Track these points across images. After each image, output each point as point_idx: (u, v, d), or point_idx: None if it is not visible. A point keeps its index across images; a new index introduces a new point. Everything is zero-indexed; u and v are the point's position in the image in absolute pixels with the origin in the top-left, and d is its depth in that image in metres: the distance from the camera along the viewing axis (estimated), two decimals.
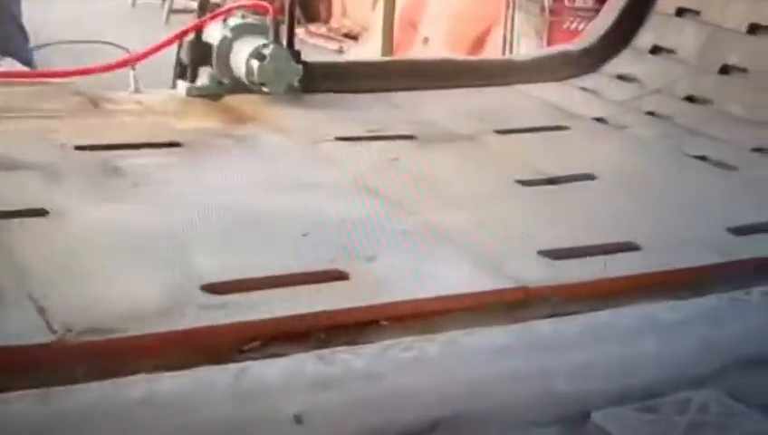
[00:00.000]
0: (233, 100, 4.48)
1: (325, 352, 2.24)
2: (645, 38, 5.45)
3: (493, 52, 8.29)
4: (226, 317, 2.39)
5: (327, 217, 3.12)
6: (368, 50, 9.78)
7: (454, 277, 2.74)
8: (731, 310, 2.61)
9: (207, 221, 3.01)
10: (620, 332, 2.50)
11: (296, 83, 4.52)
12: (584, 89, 5.20)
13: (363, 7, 10.85)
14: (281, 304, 2.48)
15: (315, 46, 10.49)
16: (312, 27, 11.27)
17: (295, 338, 2.35)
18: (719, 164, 4.05)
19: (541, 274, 2.82)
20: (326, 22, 11.62)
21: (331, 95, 4.68)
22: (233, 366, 2.14)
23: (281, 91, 4.48)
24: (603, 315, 2.58)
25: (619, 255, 2.99)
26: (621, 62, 5.36)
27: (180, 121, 4.14)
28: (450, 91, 4.95)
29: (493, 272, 2.80)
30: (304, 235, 2.95)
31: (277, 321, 2.40)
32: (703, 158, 4.12)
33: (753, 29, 4.94)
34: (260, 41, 4.52)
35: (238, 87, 4.52)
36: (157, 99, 4.44)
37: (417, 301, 2.58)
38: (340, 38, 11.13)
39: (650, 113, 4.82)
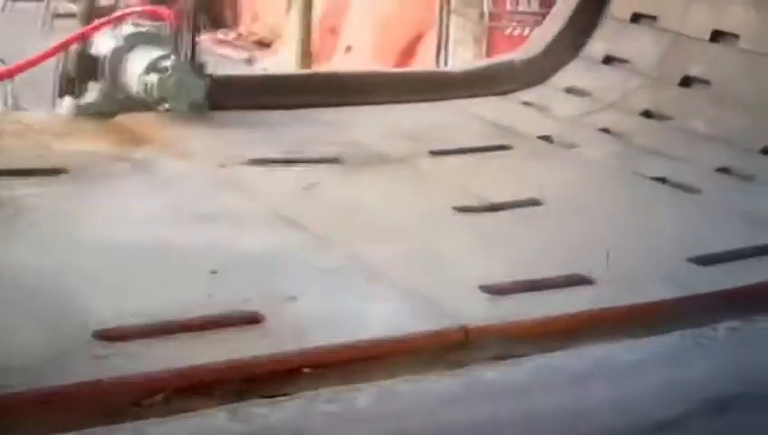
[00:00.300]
0: (127, 119, 4.49)
1: (239, 406, 2.26)
2: (597, 46, 5.61)
3: (425, 62, 8.44)
4: (122, 368, 2.39)
5: (239, 252, 3.14)
6: (282, 60, 9.84)
7: (384, 318, 2.78)
8: (694, 349, 2.71)
9: (99, 258, 3.01)
10: (573, 376, 2.57)
11: (201, 100, 4.58)
12: (528, 103, 5.32)
13: (276, 11, 10.90)
14: (186, 353, 2.49)
15: (222, 56, 10.51)
16: (219, 34, 11.29)
17: (203, 391, 2.36)
18: (680, 186, 4.17)
19: (482, 311, 2.87)
20: (234, 28, 11.65)
21: (242, 113, 4.72)
22: (129, 426, 2.15)
23: (183, 109, 4.53)
24: (553, 358, 2.64)
25: (569, 289, 3.06)
26: (570, 74, 5.51)
27: (66, 144, 4.13)
28: (378, 108, 5.03)
29: (428, 311, 2.84)
30: (213, 272, 2.97)
31: (182, 372, 2.41)
32: (662, 179, 4.24)
33: (717, 36, 5.13)
34: (158, 51, 4.57)
35: (133, 104, 4.56)
36: (38, 118, 4.44)
37: (343, 346, 2.61)
38: (250, 46, 11.17)
39: (603, 130, 4.94)
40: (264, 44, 11.27)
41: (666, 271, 3.24)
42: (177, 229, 3.30)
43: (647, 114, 5.10)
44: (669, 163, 4.45)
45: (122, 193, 3.67)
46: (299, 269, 3.06)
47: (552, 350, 2.70)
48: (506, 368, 2.58)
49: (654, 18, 5.46)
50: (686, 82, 5.17)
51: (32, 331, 2.52)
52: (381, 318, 2.77)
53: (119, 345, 2.50)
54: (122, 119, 4.53)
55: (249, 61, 10.82)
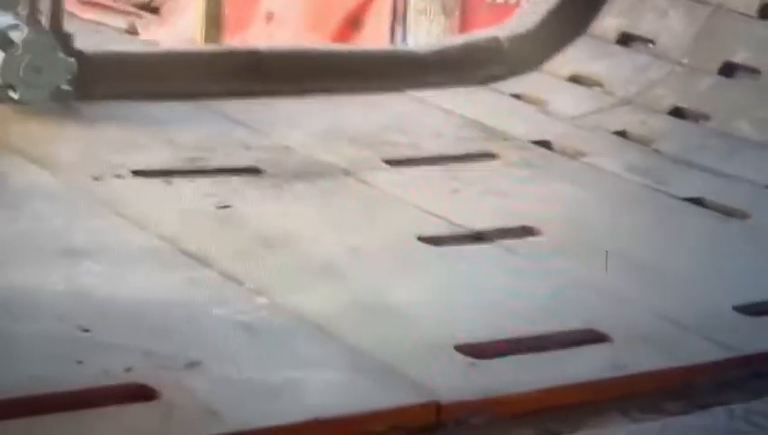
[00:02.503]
0: None
1: None
2: (610, 21, 5.65)
3: (376, 38, 8.48)
4: None
5: (119, 301, 3.12)
6: (178, 30, 9.81)
7: (326, 392, 2.77)
8: (747, 431, 2.73)
9: None
10: None
11: (66, 86, 4.56)
12: (519, 96, 5.35)
13: None
14: None
15: (92, 24, 10.43)
16: None
17: None
18: (721, 209, 4.22)
19: (460, 381, 2.87)
20: None
21: (123, 104, 4.70)
22: None
23: (41, 99, 4.50)
24: None
25: (577, 350, 3.09)
26: (574, 57, 5.55)
27: None
28: (313, 100, 5.01)
29: (387, 381, 2.84)
30: (83, 331, 2.95)
31: None
32: (697, 200, 4.29)
33: None
34: (5, 19, 4.52)
35: None
36: None
37: (266, 431, 2.60)
38: (133, 11, 11.09)
39: (618, 133, 4.97)
40: (150, 8, 11.21)
41: (705, 324, 3.28)
42: (26, 270, 3.28)
43: (676, 112, 5.17)
44: (706, 178, 4.52)
45: None
46: (204, 325, 3.05)
47: (557, 434, 2.73)
48: None
49: None
50: (728, 70, 5.25)
51: None
52: (321, 392, 2.76)
53: None
54: None
55: (130, 31, 10.75)
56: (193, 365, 2.82)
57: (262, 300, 3.21)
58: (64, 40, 4.62)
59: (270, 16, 9.61)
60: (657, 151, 4.83)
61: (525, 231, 3.88)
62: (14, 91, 4.49)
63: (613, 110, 5.20)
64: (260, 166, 4.24)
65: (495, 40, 5.66)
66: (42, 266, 3.32)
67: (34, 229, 3.58)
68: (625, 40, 5.63)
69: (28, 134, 4.34)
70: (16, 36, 4.50)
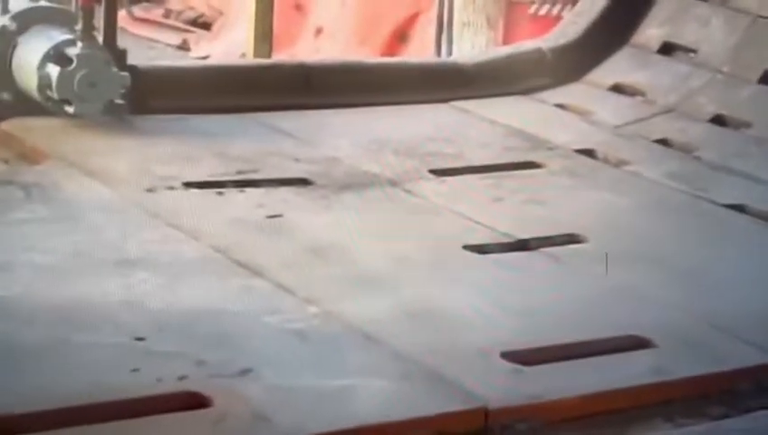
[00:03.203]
0: (16, 126, 4.47)
1: None
2: (652, 31, 5.62)
3: (422, 51, 8.47)
4: None
5: (173, 311, 3.12)
6: (228, 45, 9.85)
7: (374, 398, 2.76)
8: None
9: None
10: None
11: (120, 100, 4.55)
12: (562, 106, 5.33)
13: None
14: None
15: (145, 40, 10.48)
16: (139, 10, 11.25)
17: None
18: (762, 216, 4.19)
19: (506, 387, 2.87)
20: (160, 1, 11.62)
21: (176, 118, 4.71)
22: None
23: (95, 113, 4.50)
24: None
25: (622, 356, 3.07)
26: (617, 67, 5.52)
27: None
28: (361, 112, 5.03)
29: (433, 387, 2.83)
30: (138, 339, 2.95)
31: None
32: (739, 207, 4.27)
33: None
34: (60, 35, 4.53)
35: (26, 106, 4.54)
36: None
37: None
38: (184, 27, 11.14)
39: (660, 142, 4.96)
40: (202, 25, 11.25)
41: (747, 329, 3.26)
42: (83, 281, 3.28)
43: (717, 120, 5.14)
44: (748, 185, 4.50)
45: (8, 231, 3.63)
46: (257, 333, 3.04)
47: None
48: None
49: None
50: None
51: None
52: (370, 398, 2.76)
53: None
54: (10, 127, 4.50)
55: (182, 47, 10.80)
56: (245, 373, 2.82)
57: (313, 309, 3.20)
58: (118, 55, 4.64)
59: (319, 31, 9.63)
60: (698, 159, 4.81)
61: (569, 239, 3.86)
62: (70, 105, 4.51)
63: (655, 118, 5.18)
64: (309, 177, 4.24)
65: (539, 51, 5.66)
66: (98, 277, 3.32)
67: (90, 240, 3.59)
68: (667, 49, 5.60)
69: (83, 147, 4.36)
70: (72, 52, 4.51)
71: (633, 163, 4.70)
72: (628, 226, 4.09)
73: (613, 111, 5.25)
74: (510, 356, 3.00)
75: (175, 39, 10.95)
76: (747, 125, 5.07)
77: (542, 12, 7.79)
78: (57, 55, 4.51)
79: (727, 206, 4.29)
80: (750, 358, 3.12)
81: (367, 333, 3.08)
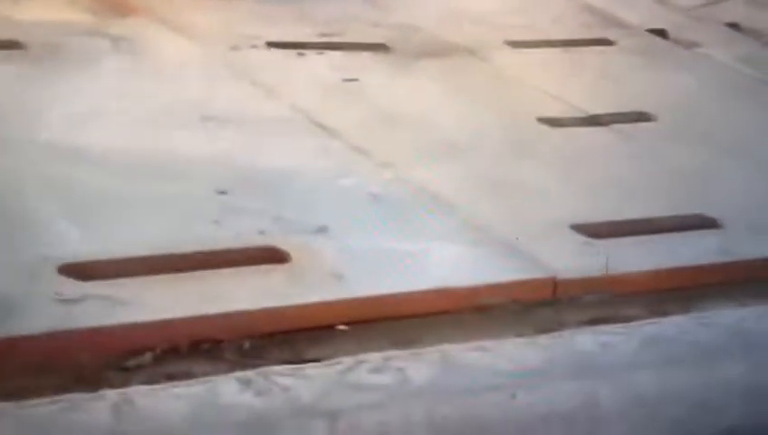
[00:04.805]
0: None
1: (252, 374, 2.21)
2: None
3: None
4: (99, 316, 2.33)
5: (253, 167, 3.09)
6: None
7: (447, 263, 2.72)
8: None
9: (66, 168, 2.95)
10: (696, 349, 2.53)
11: None
12: None
13: None
14: (183, 298, 2.43)
15: None
16: None
17: (207, 351, 2.31)
18: None
19: (576, 259, 2.82)
20: None
21: None
22: (110, 394, 2.09)
23: None
24: (670, 324, 2.61)
25: (689, 234, 3.02)
26: None
27: (23, 10, 4.05)
28: None
29: (505, 255, 2.78)
30: (220, 193, 2.93)
31: (177, 323, 2.35)
32: None
33: None
34: None
35: None
36: None
37: (391, 296, 2.56)
38: None
39: (732, 25, 4.86)
40: None
41: None
42: (170, 133, 3.25)
43: None
44: None
45: (98, 81, 3.60)
46: (333, 193, 3.01)
47: (666, 313, 2.67)
48: (608, 336, 2.53)
49: None
50: None
51: None
52: (443, 262, 2.72)
53: (93, 285, 2.43)
54: None
55: None
56: (322, 231, 2.78)
57: (387, 173, 3.16)
58: None
59: None
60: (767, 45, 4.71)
61: (639, 116, 3.79)
62: None
63: (726, 2, 5.05)
64: (387, 43, 4.18)
65: None
66: (182, 131, 3.29)
67: (177, 96, 3.55)
68: None
69: (170, 2, 4.29)
70: None
71: (704, 45, 4.62)
72: (698, 106, 4.02)
73: None
74: (580, 229, 2.95)
75: None
76: None
77: None
78: None
79: None
80: None
81: (441, 200, 3.03)
